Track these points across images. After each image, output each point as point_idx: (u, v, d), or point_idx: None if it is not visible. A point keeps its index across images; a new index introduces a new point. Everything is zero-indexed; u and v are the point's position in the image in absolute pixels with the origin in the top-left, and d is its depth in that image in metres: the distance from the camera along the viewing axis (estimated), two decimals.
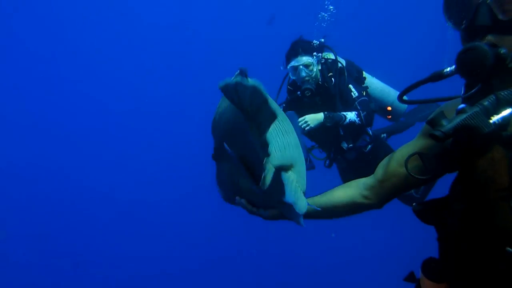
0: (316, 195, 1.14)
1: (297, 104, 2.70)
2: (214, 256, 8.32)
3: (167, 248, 8.70)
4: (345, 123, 2.55)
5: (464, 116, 0.77)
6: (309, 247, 7.96)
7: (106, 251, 8.51)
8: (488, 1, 0.79)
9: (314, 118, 2.52)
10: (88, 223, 9.22)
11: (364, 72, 2.84)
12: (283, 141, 0.95)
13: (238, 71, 0.96)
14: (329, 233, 7.81)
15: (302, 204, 0.94)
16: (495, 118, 0.77)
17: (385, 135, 2.94)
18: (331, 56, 2.72)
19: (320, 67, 2.64)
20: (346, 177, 2.99)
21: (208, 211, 8.38)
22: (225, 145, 1.05)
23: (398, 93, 1.66)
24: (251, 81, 0.79)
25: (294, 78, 2.64)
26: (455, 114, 0.80)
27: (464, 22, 0.84)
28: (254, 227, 6.35)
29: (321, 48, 2.67)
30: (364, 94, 2.67)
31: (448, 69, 0.87)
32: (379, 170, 1.09)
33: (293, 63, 2.57)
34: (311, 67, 2.56)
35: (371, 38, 10.38)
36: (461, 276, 0.90)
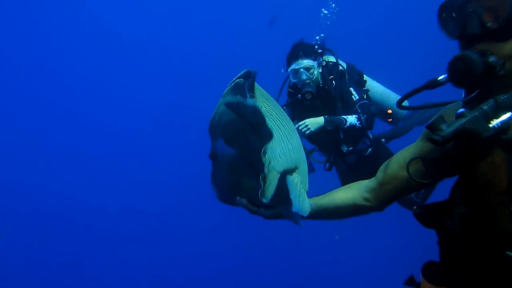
0: (317, 196, 1.14)
1: (298, 107, 2.70)
2: (215, 256, 8.31)
3: (167, 248, 8.68)
4: (345, 126, 2.54)
5: (463, 120, 0.78)
6: (312, 249, 7.94)
7: (106, 251, 8.49)
8: (478, 11, 0.80)
9: (314, 122, 2.52)
10: (87, 224, 9.19)
11: (364, 75, 2.84)
12: (287, 145, 0.95)
13: (245, 71, 0.96)
14: (333, 235, 7.79)
15: (305, 207, 0.94)
16: (494, 122, 0.77)
17: (383, 140, 2.94)
18: (332, 59, 2.71)
19: (321, 70, 2.64)
20: (346, 181, 2.97)
21: (208, 211, 8.36)
22: (226, 144, 1.05)
23: (398, 96, 1.66)
24: (250, 101, 0.82)
25: (294, 81, 2.64)
26: (455, 118, 0.81)
27: (456, 31, 0.86)
28: (255, 228, 6.33)
29: (322, 51, 2.67)
30: (365, 97, 2.67)
31: (442, 76, 0.88)
32: (380, 173, 1.09)
33: (294, 66, 2.57)
34: (312, 70, 2.56)
35: (372, 39, 10.38)
36: (461, 280, 0.90)
